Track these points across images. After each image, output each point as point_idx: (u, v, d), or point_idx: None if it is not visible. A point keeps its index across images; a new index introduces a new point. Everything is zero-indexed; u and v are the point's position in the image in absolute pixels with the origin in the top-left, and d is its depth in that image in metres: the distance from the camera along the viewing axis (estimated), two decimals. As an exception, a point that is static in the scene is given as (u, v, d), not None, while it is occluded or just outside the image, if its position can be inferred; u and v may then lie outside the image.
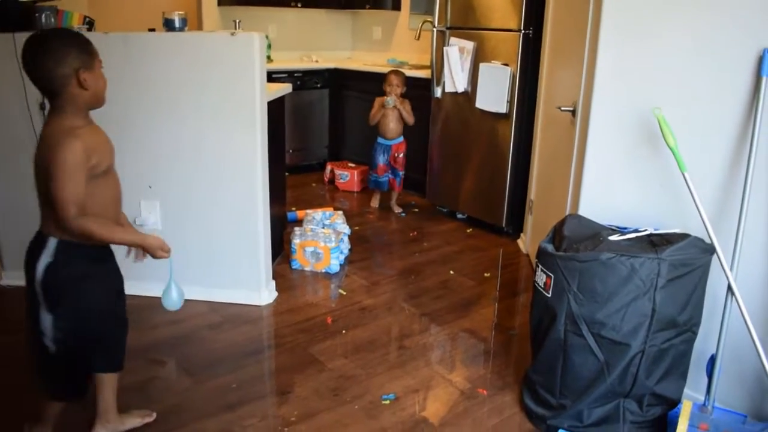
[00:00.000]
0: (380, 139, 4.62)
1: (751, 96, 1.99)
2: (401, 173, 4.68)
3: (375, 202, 4.81)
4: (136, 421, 2.18)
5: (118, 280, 2.08)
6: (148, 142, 2.98)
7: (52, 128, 1.77)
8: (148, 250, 1.96)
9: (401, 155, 4.64)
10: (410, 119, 4.53)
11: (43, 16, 3.04)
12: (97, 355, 1.99)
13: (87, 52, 1.78)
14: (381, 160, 4.63)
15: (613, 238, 2.06)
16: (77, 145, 1.73)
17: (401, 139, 4.64)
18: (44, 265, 1.82)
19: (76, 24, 3.18)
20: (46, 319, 1.84)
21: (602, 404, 2.08)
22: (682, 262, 1.94)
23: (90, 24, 3.26)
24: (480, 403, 2.36)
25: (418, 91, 4.64)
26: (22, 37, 2.88)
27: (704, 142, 2.11)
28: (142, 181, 3.02)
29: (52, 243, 1.82)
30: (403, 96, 4.52)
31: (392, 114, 4.51)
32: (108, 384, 2.08)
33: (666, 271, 1.93)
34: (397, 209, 4.69)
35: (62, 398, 2.02)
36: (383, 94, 4.45)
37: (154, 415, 2.24)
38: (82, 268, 1.88)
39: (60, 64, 1.72)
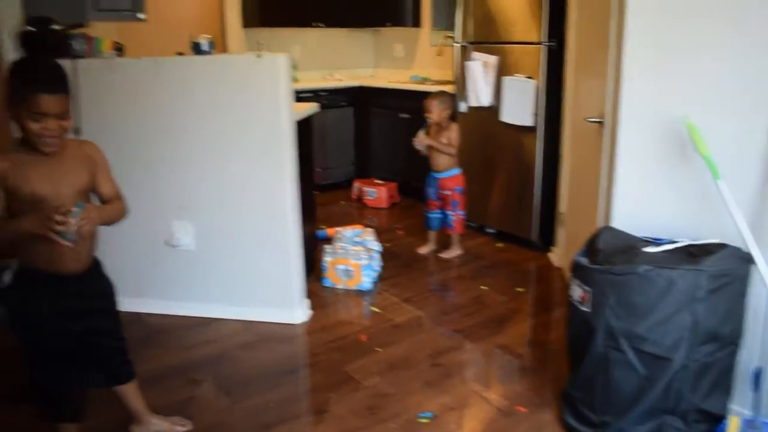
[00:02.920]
0: (431, 171, 4.01)
1: (787, 101, 1.96)
2: (451, 214, 3.95)
3: (424, 248, 4.12)
4: (164, 426, 2.26)
5: (63, 314, 1.93)
6: (179, 164, 3.02)
7: None
8: (35, 234, 1.73)
9: (450, 192, 3.93)
10: (448, 150, 3.87)
11: (76, 42, 3.12)
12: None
13: (17, 95, 1.71)
14: (429, 193, 4.02)
15: (649, 250, 2.03)
16: None
17: (453, 172, 3.93)
18: (2, 285, 1.88)
19: (106, 49, 3.25)
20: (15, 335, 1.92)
21: (645, 421, 2.03)
22: (721, 272, 1.91)
23: (119, 49, 3.33)
24: (519, 421, 2.33)
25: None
26: (57, 65, 2.99)
27: (738, 149, 2.08)
28: (174, 202, 3.07)
29: (13, 265, 1.88)
30: (451, 118, 3.94)
31: (437, 140, 3.88)
32: (126, 392, 2.18)
33: (706, 282, 1.90)
34: (447, 254, 4.02)
35: (53, 418, 2.05)
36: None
37: (189, 425, 2.29)
38: (28, 293, 1.89)
39: (8, 99, 1.74)
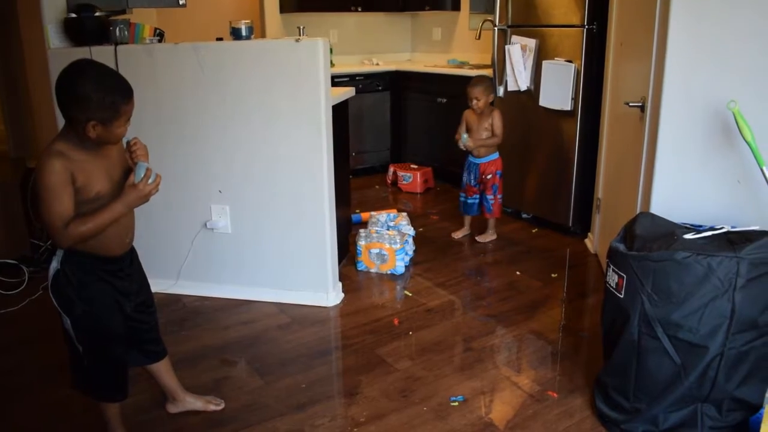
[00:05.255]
0: (469, 156, 3.98)
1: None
2: (490, 198, 3.94)
3: (458, 233, 4.12)
4: (198, 404, 2.32)
5: (119, 293, 1.98)
6: (217, 148, 3.07)
7: (45, 148, 1.78)
8: (139, 203, 1.85)
9: (491, 176, 3.91)
10: (492, 141, 3.85)
11: (117, 29, 3.17)
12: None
13: (110, 109, 1.73)
14: (467, 179, 3.99)
15: (689, 236, 1.99)
16: (56, 164, 1.72)
17: (493, 156, 3.92)
18: (53, 271, 1.88)
19: (147, 36, 3.31)
20: (67, 322, 1.91)
21: (679, 408, 2.01)
22: (762, 260, 1.86)
23: (160, 35, 3.38)
24: (550, 406, 2.32)
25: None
26: (98, 50, 3.06)
27: (785, 136, 2.02)
28: (212, 185, 3.12)
29: (60, 252, 1.88)
30: (492, 104, 3.88)
31: (479, 128, 3.84)
32: (161, 370, 2.23)
33: (745, 270, 1.85)
34: (484, 238, 4.03)
35: (106, 398, 2.06)
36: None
37: (222, 404, 2.34)
38: (82, 277, 1.89)
39: (75, 107, 1.72)
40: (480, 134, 3.84)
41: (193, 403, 2.32)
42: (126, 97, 1.77)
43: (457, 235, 4.10)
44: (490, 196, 3.94)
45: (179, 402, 2.30)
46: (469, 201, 4.02)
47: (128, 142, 1.88)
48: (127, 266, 2.02)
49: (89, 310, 1.90)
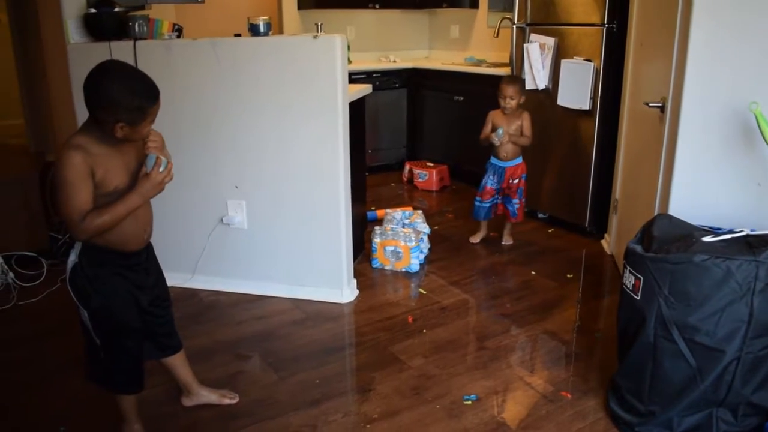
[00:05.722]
0: (492, 159, 3.82)
1: None
2: (516, 202, 3.83)
3: (476, 237, 4.00)
4: (213, 397, 2.33)
5: (135, 287, 2.00)
6: (234, 144, 3.08)
7: (66, 141, 1.79)
8: (154, 192, 1.87)
9: (517, 180, 3.80)
10: (525, 141, 3.73)
11: (137, 24, 3.19)
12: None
13: (137, 111, 1.75)
14: (490, 182, 3.81)
15: (707, 239, 1.97)
16: (76, 158, 1.74)
17: (519, 160, 3.80)
18: (71, 264, 1.90)
19: (166, 31, 3.33)
20: (84, 314, 1.93)
21: (694, 412, 1.99)
22: (782, 264, 1.84)
23: (179, 31, 3.40)
24: (563, 407, 2.31)
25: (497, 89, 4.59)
26: (117, 45, 3.09)
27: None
28: (228, 181, 3.13)
29: (78, 245, 1.90)
30: (521, 107, 3.73)
31: (508, 130, 3.68)
32: (176, 363, 2.25)
33: (765, 274, 1.83)
34: (508, 240, 3.96)
35: (123, 390, 2.08)
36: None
37: (237, 398, 2.35)
38: (97, 270, 1.91)
39: (103, 110, 1.74)
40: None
41: (208, 396, 2.33)
42: (153, 100, 1.79)
43: (475, 239, 3.99)
44: (515, 201, 3.82)
45: (194, 395, 2.32)
46: (484, 205, 3.87)
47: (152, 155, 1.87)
48: (144, 260, 2.04)
49: (105, 303, 1.92)
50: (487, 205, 3.87)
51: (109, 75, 1.75)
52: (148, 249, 2.08)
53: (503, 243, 3.94)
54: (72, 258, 1.90)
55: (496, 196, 3.86)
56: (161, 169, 1.85)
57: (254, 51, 2.97)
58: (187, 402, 2.33)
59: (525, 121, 3.70)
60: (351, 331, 2.92)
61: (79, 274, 1.89)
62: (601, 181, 3.97)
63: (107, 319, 1.95)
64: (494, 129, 3.71)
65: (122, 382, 2.06)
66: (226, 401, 2.34)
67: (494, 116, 3.76)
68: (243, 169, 3.11)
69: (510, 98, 3.63)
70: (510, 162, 3.77)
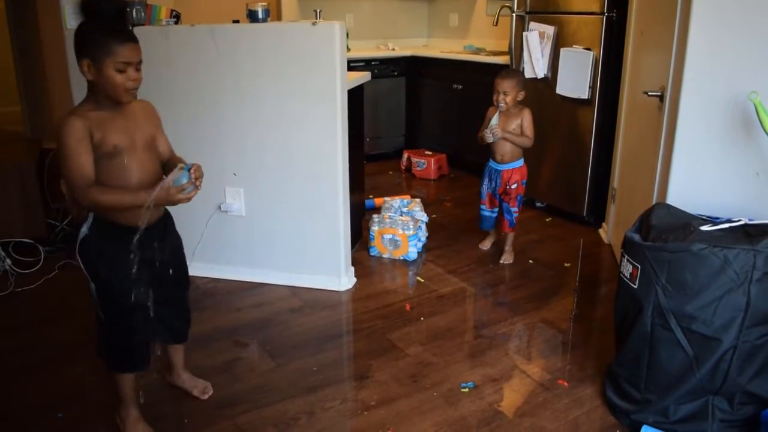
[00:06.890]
0: (490, 161, 3.46)
1: None
2: (514, 210, 3.43)
3: (486, 243, 3.71)
4: (186, 386, 2.33)
5: (144, 263, 1.96)
6: (232, 131, 3.07)
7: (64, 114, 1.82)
8: (164, 203, 1.87)
9: (515, 185, 3.38)
10: (524, 141, 3.31)
11: (134, 10, 3.16)
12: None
13: (101, 47, 1.75)
14: (486, 186, 3.47)
15: (705, 228, 1.97)
16: (74, 122, 1.76)
17: (518, 163, 3.38)
18: (81, 236, 1.91)
19: (164, 17, 3.30)
20: (92, 287, 1.94)
21: (690, 400, 2.00)
22: (779, 254, 1.85)
23: (177, 17, 3.37)
24: (560, 395, 2.32)
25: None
26: (115, 31, 3.05)
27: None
28: (226, 168, 3.13)
29: (90, 217, 1.91)
30: (521, 103, 3.34)
31: (506, 129, 3.29)
32: (177, 347, 2.29)
33: (762, 263, 1.83)
34: (508, 259, 3.51)
35: (120, 368, 2.06)
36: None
37: (207, 396, 2.31)
38: (105, 244, 1.91)
39: (76, 48, 1.78)
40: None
41: (187, 381, 2.34)
42: (119, 38, 1.77)
43: (485, 245, 3.71)
44: (514, 209, 3.43)
45: (176, 378, 2.35)
46: (484, 214, 3.55)
47: (188, 168, 1.84)
48: (157, 237, 2.01)
49: (108, 277, 1.92)
50: (493, 214, 3.55)
51: (91, 17, 1.81)
52: (166, 226, 2.08)
53: (502, 262, 3.50)
54: (83, 230, 1.91)
55: (495, 206, 3.52)
56: (184, 193, 1.82)
57: (252, 37, 2.96)
58: (169, 379, 2.37)
59: (525, 120, 3.31)
60: (349, 319, 2.93)
61: (87, 247, 1.90)
62: (600, 170, 3.97)
63: (111, 294, 1.94)
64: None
65: (120, 359, 2.05)
66: (195, 393, 2.31)
67: (492, 114, 3.34)
68: (241, 157, 3.10)
69: (504, 93, 3.23)
70: (507, 165, 3.38)
